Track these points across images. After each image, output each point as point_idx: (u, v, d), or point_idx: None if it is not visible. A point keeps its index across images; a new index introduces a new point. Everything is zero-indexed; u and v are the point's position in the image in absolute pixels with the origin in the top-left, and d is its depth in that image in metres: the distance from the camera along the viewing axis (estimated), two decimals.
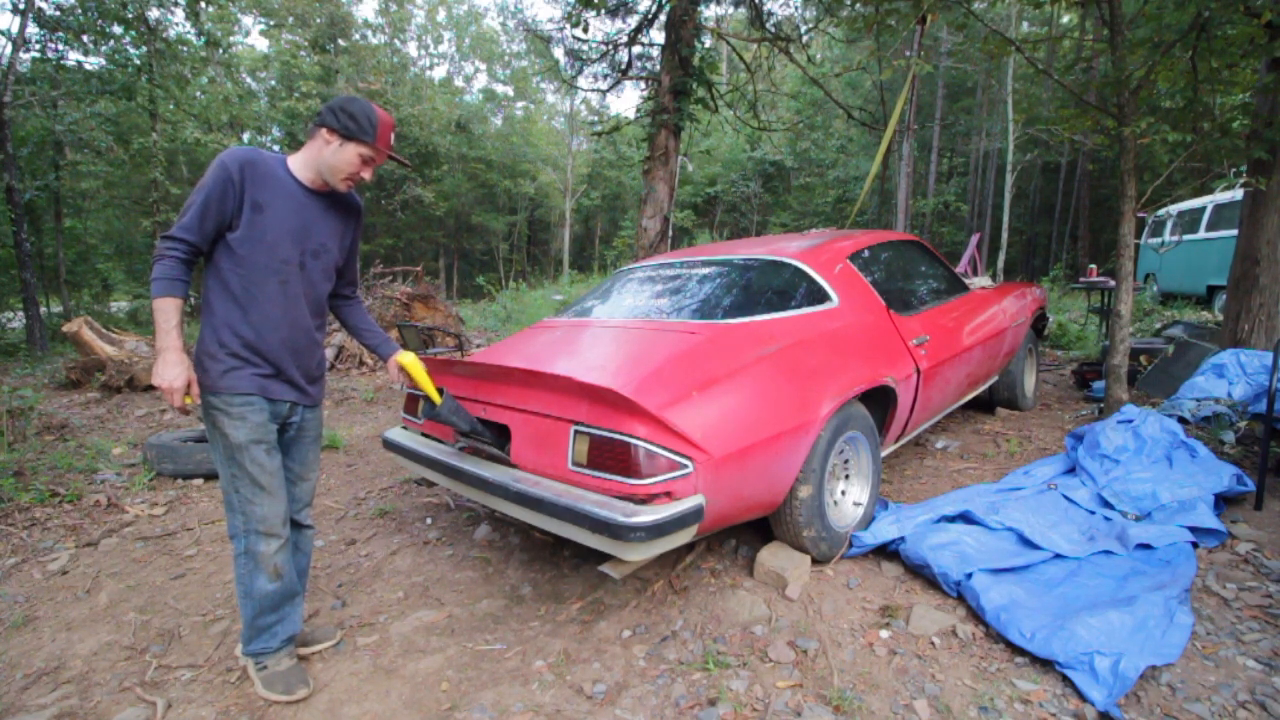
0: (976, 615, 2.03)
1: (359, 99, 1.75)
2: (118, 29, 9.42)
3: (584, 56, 8.20)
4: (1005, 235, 14.60)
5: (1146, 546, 2.29)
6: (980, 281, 4.18)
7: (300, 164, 1.76)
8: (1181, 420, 3.19)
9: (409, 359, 1.99)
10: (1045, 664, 1.80)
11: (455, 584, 2.42)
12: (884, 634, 1.98)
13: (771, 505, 2.17)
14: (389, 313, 7.20)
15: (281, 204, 1.71)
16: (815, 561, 2.33)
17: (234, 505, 1.76)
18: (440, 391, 2.04)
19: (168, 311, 1.61)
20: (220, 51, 13.78)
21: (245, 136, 17.94)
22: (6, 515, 3.07)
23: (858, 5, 5.22)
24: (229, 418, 1.69)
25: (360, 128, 1.70)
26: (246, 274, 1.68)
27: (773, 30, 7.64)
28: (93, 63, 9.53)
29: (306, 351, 1.82)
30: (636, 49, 7.76)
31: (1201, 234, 8.33)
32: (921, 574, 2.26)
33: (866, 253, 3.07)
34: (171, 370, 1.60)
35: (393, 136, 1.79)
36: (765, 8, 7.77)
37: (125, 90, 9.44)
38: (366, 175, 1.79)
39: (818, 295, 2.65)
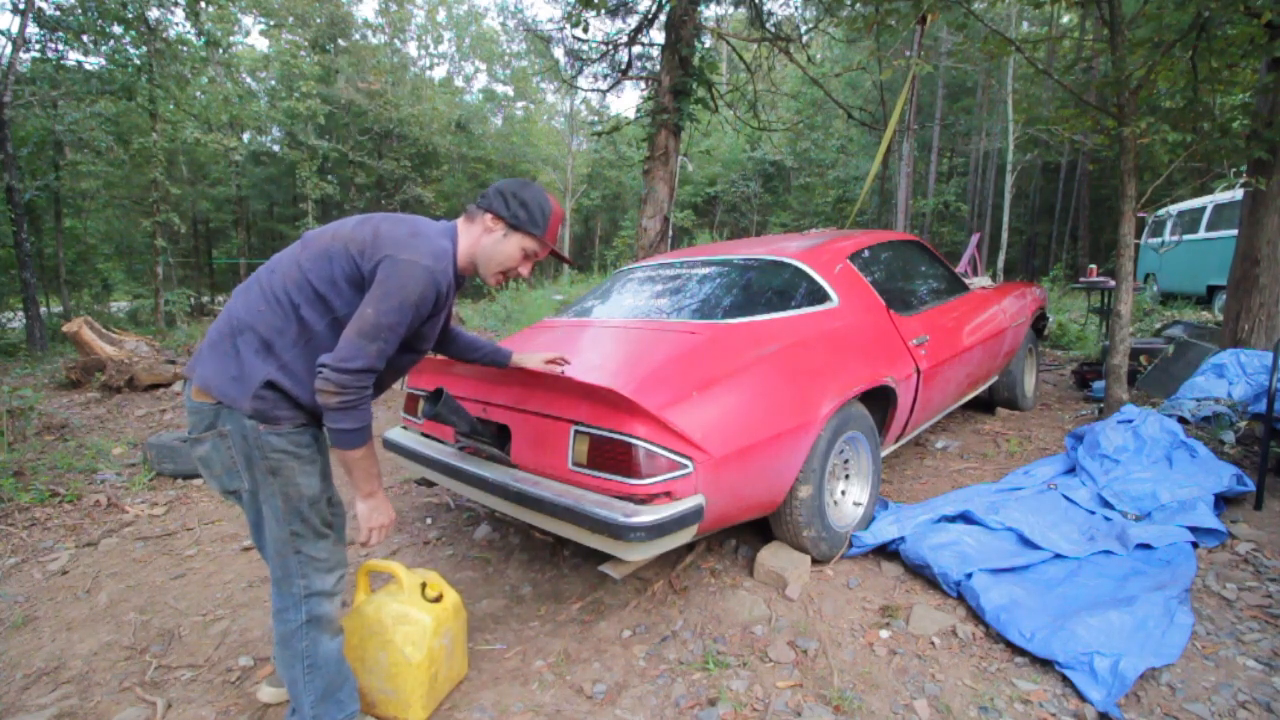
0: (976, 615, 2.03)
1: (533, 185, 1.57)
2: (118, 29, 9.41)
3: (584, 56, 8.20)
4: (1005, 235, 14.61)
5: (1146, 546, 2.29)
6: (980, 281, 4.17)
7: (459, 250, 1.55)
8: (1181, 420, 3.19)
9: None
10: (1045, 664, 1.80)
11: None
12: (884, 634, 1.98)
13: (771, 505, 2.17)
14: None
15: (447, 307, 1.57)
16: (815, 561, 2.33)
17: (292, 570, 1.47)
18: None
19: (371, 458, 1.46)
20: (220, 51, 13.76)
21: (245, 137, 17.92)
22: (6, 515, 3.07)
23: (858, 5, 5.23)
24: (299, 461, 1.43)
25: (531, 218, 1.53)
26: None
27: (773, 30, 7.63)
28: (93, 63, 9.53)
29: None
30: (636, 49, 7.75)
31: (1201, 234, 8.33)
32: (921, 574, 2.26)
33: (866, 253, 3.07)
34: (388, 515, 1.53)
35: (561, 228, 1.60)
36: (765, 8, 7.76)
37: (125, 90, 9.43)
38: (524, 271, 1.60)
39: (818, 295, 2.65)
